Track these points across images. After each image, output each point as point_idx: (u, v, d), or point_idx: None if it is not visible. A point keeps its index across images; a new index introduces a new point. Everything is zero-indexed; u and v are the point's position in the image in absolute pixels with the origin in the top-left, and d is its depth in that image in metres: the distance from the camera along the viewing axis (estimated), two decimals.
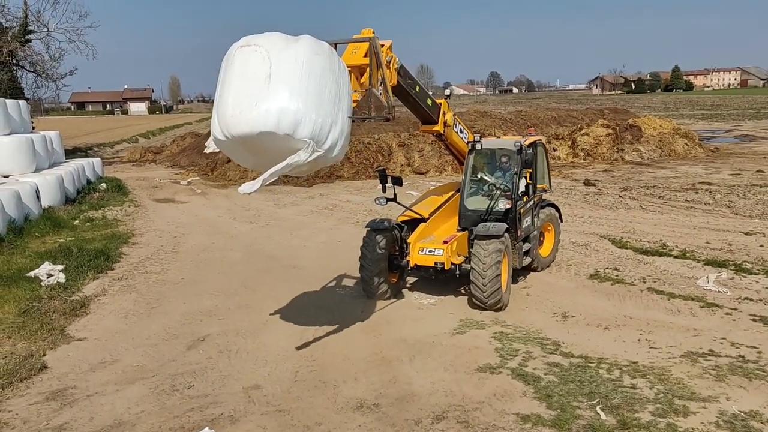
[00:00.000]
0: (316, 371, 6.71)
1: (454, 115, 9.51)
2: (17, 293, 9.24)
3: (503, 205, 8.87)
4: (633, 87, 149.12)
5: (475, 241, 8.30)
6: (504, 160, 9.30)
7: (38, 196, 15.16)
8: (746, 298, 8.54)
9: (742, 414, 5.49)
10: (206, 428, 5.55)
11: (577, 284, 9.52)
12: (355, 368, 6.75)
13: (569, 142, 26.79)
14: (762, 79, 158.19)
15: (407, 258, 8.80)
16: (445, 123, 9.19)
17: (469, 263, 8.29)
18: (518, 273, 9.53)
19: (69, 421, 5.79)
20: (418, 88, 8.44)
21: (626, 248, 11.40)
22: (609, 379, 6.26)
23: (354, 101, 6.58)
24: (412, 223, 9.22)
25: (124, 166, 30.74)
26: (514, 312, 8.35)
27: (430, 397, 6.03)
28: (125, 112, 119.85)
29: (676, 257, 10.66)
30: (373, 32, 7.13)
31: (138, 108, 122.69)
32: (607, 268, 10.15)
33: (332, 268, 10.49)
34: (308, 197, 18.89)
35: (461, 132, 9.71)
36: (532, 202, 9.58)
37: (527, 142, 9.37)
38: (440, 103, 9.08)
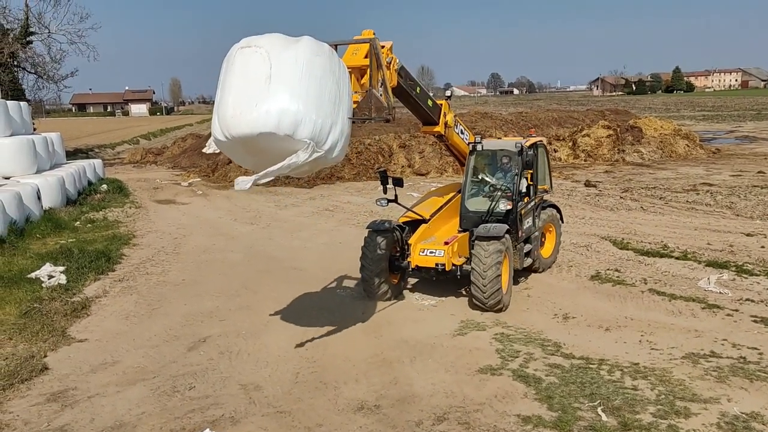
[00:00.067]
0: (317, 372, 6.70)
1: (455, 116, 9.52)
2: (18, 294, 9.25)
3: (504, 206, 8.86)
4: (634, 88, 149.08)
5: (476, 242, 8.29)
6: (505, 161, 9.30)
7: (39, 198, 15.18)
8: (747, 300, 8.52)
9: (744, 415, 5.48)
10: (207, 429, 5.55)
11: (578, 285, 9.51)
12: (356, 369, 6.74)
13: (570, 143, 26.79)
14: (763, 80, 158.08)
15: (408, 259, 8.79)
16: (446, 124, 9.19)
17: (470, 264, 8.28)
18: (519, 274, 9.52)
19: (70, 423, 5.79)
20: (418, 89, 8.44)
21: (627, 249, 11.39)
22: (610, 380, 6.25)
23: (354, 102, 6.58)
24: (413, 225, 9.22)
25: (125, 168, 30.77)
26: (515, 313, 8.34)
27: (431, 399, 6.02)
28: (126, 113, 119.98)
29: (677, 258, 10.65)
30: (374, 33, 7.14)
31: (139, 109, 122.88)
32: (608, 270, 10.14)
33: (333, 269, 10.48)
34: (309, 198, 18.89)
35: (462, 133, 9.71)
36: (533, 203, 9.58)
37: (528, 143, 9.37)
38: (441, 104, 9.08)
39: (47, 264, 10.50)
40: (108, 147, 42.77)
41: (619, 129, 27.17)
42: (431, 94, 9.05)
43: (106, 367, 7.02)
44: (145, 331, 8.13)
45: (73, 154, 31.72)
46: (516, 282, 9.30)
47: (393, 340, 7.52)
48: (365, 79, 7.00)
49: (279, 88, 5.48)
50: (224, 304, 9.17)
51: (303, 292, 9.40)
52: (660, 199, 16.45)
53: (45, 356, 7.26)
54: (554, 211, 10.52)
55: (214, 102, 6.09)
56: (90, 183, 21.04)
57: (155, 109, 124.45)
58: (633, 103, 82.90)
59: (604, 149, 25.94)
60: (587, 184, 19.57)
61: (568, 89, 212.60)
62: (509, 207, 8.83)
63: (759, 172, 20.43)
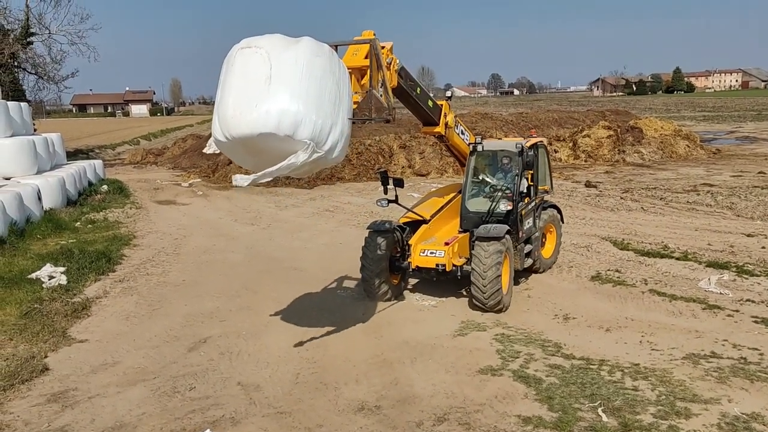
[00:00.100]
0: (318, 373, 6.70)
1: (455, 116, 9.51)
2: (19, 295, 9.25)
3: (504, 206, 8.86)
4: (634, 88, 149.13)
5: (476, 242, 8.30)
6: (505, 161, 9.30)
7: (40, 198, 15.19)
8: (748, 300, 8.52)
9: (744, 416, 5.48)
10: (207, 430, 5.55)
11: (578, 286, 9.50)
12: (357, 370, 6.74)
13: (570, 144, 26.79)
14: (763, 81, 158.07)
15: (409, 259, 8.79)
16: (446, 125, 9.18)
17: (470, 265, 8.28)
18: (520, 274, 9.52)
19: (70, 423, 5.79)
20: (419, 89, 8.44)
21: (628, 250, 11.38)
22: (610, 381, 6.25)
23: (354, 103, 6.59)
24: (414, 225, 9.22)
25: (125, 168, 30.78)
26: (516, 314, 8.34)
27: (431, 399, 6.02)
28: (126, 114, 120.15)
29: (677, 259, 10.64)
30: (374, 34, 7.14)
31: (139, 110, 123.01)
32: (608, 270, 10.13)
33: (333, 270, 10.48)
34: (309, 199, 18.89)
35: (463, 133, 9.71)
36: (533, 204, 9.57)
37: (529, 144, 9.37)
38: (441, 105, 9.08)
39: (48, 264, 10.50)
40: (108, 147, 42.77)
41: (619, 129, 27.17)
42: (431, 95, 9.05)
43: (107, 368, 7.02)
44: (145, 332, 8.13)
45: (73, 155, 31.72)
46: (516, 282, 9.29)
47: (393, 341, 7.52)
48: (365, 80, 7.00)
49: (279, 89, 5.48)
50: (225, 304, 9.17)
51: (303, 293, 9.40)
52: (660, 199, 16.45)
53: (45, 357, 7.26)
54: (555, 212, 10.52)
55: (214, 102, 6.10)
56: (90, 184, 21.06)
57: (156, 110, 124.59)
58: (633, 103, 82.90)
59: (604, 150, 25.94)
60: (588, 184, 19.57)
61: (568, 90, 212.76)
62: (510, 207, 8.84)
63: (759, 173, 20.43)
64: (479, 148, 9.35)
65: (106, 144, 44.35)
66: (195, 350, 7.47)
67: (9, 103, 18.69)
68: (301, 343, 7.49)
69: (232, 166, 22.96)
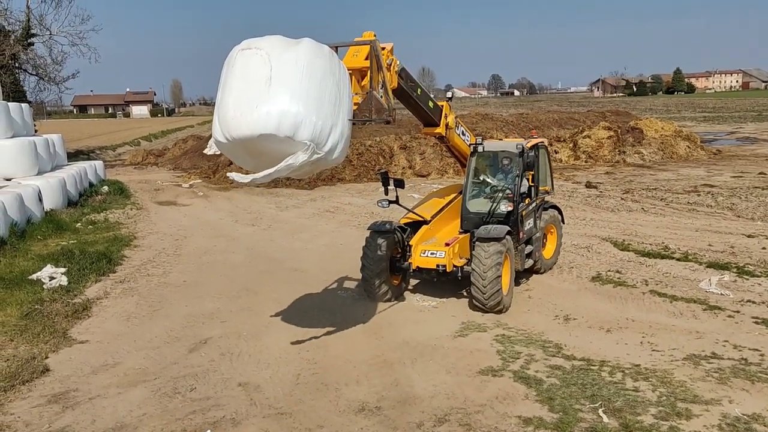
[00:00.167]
0: (318, 374, 6.70)
1: (456, 117, 9.52)
2: (19, 296, 9.25)
3: (505, 207, 8.86)
4: (634, 89, 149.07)
5: (477, 243, 8.30)
6: (506, 162, 9.30)
7: (40, 199, 15.20)
8: (749, 301, 8.51)
9: (745, 417, 5.47)
10: (208, 431, 5.55)
11: (579, 287, 9.50)
12: (357, 371, 6.74)
13: (571, 145, 26.79)
14: (763, 82, 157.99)
15: (409, 260, 8.80)
16: (447, 125, 9.18)
17: (471, 265, 8.28)
18: (521, 275, 9.52)
19: (71, 424, 5.79)
20: (419, 90, 8.44)
21: (628, 251, 11.38)
22: (611, 381, 6.25)
23: (355, 104, 6.59)
24: (414, 226, 9.22)
25: (126, 169, 30.79)
26: (516, 314, 8.34)
27: (432, 400, 6.02)
28: (127, 115, 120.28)
29: (678, 260, 10.64)
30: (375, 35, 7.14)
31: (140, 111, 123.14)
32: (609, 271, 10.13)
33: (334, 270, 10.49)
34: (310, 200, 18.90)
35: (463, 134, 9.71)
36: (534, 205, 9.57)
37: (529, 145, 9.37)
38: (442, 106, 9.08)
39: (48, 265, 10.51)
40: (109, 148, 42.82)
41: (619, 130, 27.16)
42: (432, 96, 9.06)
43: (107, 369, 7.03)
44: (146, 333, 8.13)
45: (74, 156, 31.75)
46: (517, 283, 9.29)
47: (394, 342, 7.52)
48: (366, 81, 7.01)
49: (279, 90, 5.49)
50: (225, 305, 9.17)
51: (304, 294, 9.40)
52: (661, 200, 16.44)
53: (46, 358, 7.26)
54: (555, 213, 10.52)
55: (215, 103, 6.11)
56: (91, 184, 21.07)
57: (156, 111, 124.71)
58: (634, 104, 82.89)
59: (604, 150, 25.93)
60: (588, 185, 19.57)
61: (568, 90, 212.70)
62: (510, 208, 8.84)
63: (760, 174, 20.42)
64: (480, 148, 9.35)
65: (107, 145, 44.39)
66: (196, 351, 7.48)
67: (10, 104, 18.72)
68: (301, 344, 7.49)
69: (233, 167, 22.94)
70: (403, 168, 22.79)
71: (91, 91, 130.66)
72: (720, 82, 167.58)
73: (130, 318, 8.74)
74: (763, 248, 11.20)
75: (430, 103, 8.76)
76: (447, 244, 8.63)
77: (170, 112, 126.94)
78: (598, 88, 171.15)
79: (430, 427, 5.54)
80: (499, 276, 8.00)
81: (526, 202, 9.28)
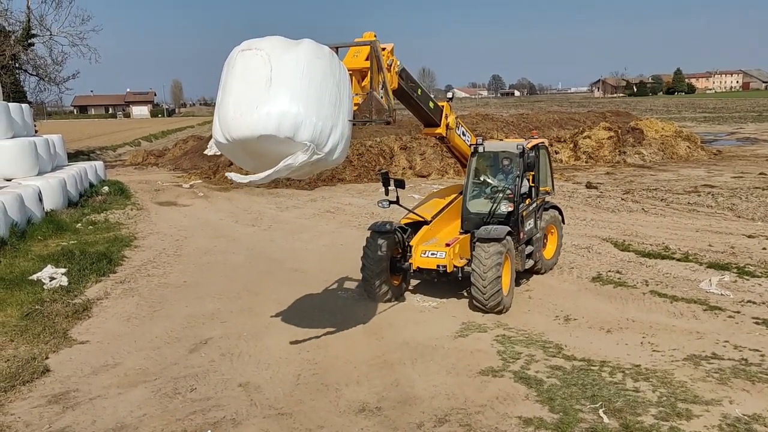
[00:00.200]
0: (318, 374, 6.70)
1: (456, 117, 9.52)
2: (20, 296, 9.26)
3: (506, 207, 8.87)
4: (635, 90, 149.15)
5: (477, 243, 8.30)
6: (506, 162, 9.30)
7: (41, 200, 15.20)
8: (749, 301, 8.51)
9: (745, 417, 5.47)
10: (208, 431, 5.55)
11: (579, 287, 9.50)
12: (357, 371, 6.74)
13: (571, 145, 26.78)
14: (764, 82, 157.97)
15: (410, 260, 8.80)
16: (447, 126, 9.18)
17: (471, 266, 8.28)
18: (521, 276, 9.51)
19: (71, 425, 5.79)
20: (420, 91, 8.44)
21: (628, 251, 11.38)
22: (612, 382, 6.25)
23: (355, 105, 6.59)
24: (415, 226, 9.23)
25: (126, 170, 30.80)
26: (517, 315, 8.34)
27: (432, 401, 6.02)
28: (127, 115, 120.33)
29: (678, 260, 10.64)
30: (375, 36, 7.14)
31: (140, 111, 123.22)
32: (609, 271, 10.13)
33: (334, 271, 10.49)
34: (310, 200, 18.90)
35: (464, 135, 9.71)
36: (534, 205, 9.57)
37: (530, 145, 9.37)
38: (443, 106, 9.09)
39: (49, 266, 10.51)
40: (109, 149, 42.82)
41: (620, 131, 27.17)
42: (432, 96, 9.06)
43: (108, 369, 7.03)
44: (146, 333, 8.13)
45: (74, 156, 31.75)
46: (517, 283, 9.28)
47: (394, 342, 7.52)
48: (366, 82, 7.00)
49: (279, 91, 5.49)
50: (225, 305, 9.17)
51: (304, 294, 9.40)
52: (661, 200, 16.44)
53: (46, 358, 7.27)
54: (556, 213, 10.52)
55: (215, 104, 6.11)
56: (91, 185, 21.07)
57: (156, 111, 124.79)
58: (634, 104, 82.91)
59: (605, 151, 25.93)
60: (588, 185, 19.57)
61: (569, 91, 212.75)
62: (511, 209, 8.84)
63: (760, 174, 20.41)
64: (480, 149, 9.35)
65: (107, 145, 44.39)
66: (196, 351, 7.48)
67: (10, 104, 18.72)
68: (301, 344, 7.49)
69: (233, 168, 22.95)
70: (404, 168, 22.79)
71: (92, 91, 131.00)
72: (720, 82, 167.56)
73: (130, 318, 8.75)
74: (764, 249, 11.20)
75: (431, 104, 8.76)
76: (447, 245, 8.63)
77: (170, 113, 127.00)
78: (598, 88, 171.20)
79: (431, 427, 5.54)
80: (499, 276, 8.00)
81: (527, 202, 9.28)
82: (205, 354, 7.38)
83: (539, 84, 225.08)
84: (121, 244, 13.15)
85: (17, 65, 32.83)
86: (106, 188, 20.59)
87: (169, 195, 21.30)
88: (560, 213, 10.69)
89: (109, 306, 9.29)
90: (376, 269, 8.63)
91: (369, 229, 8.92)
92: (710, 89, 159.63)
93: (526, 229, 9.20)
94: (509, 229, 8.51)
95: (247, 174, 6.10)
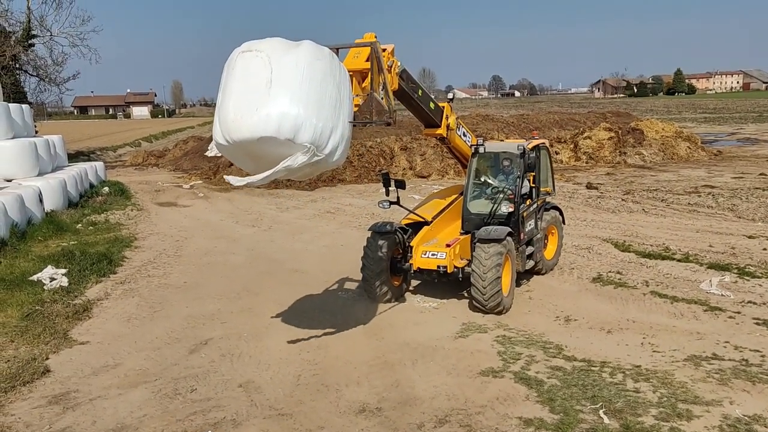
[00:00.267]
0: (319, 375, 6.70)
1: (457, 118, 9.52)
2: (20, 297, 9.26)
3: (506, 208, 8.87)
4: (635, 90, 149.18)
5: (477, 244, 8.30)
6: (507, 163, 9.30)
7: (41, 200, 15.20)
8: (749, 302, 8.51)
9: (746, 418, 5.47)
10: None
11: (579, 288, 9.50)
12: (358, 372, 6.74)
13: (571, 146, 26.78)
14: (764, 82, 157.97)
15: (410, 261, 8.80)
16: (448, 126, 9.19)
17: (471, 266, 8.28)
18: (522, 276, 9.51)
19: (71, 425, 5.79)
20: (420, 91, 8.45)
21: (629, 252, 11.38)
22: (612, 382, 6.24)
23: (355, 106, 6.60)
24: (415, 227, 9.23)
25: (126, 170, 30.79)
26: (517, 315, 8.34)
27: (432, 401, 6.02)
28: (128, 116, 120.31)
29: (679, 261, 10.64)
30: (375, 37, 7.15)
31: (141, 112, 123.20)
32: (609, 272, 10.13)
33: (334, 271, 10.49)
34: (311, 201, 18.90)
35: (464, 135, 9.71)
36: (535, 206, 9.57)
37: (531, 146, 9.37)
38: (443, 107, 9.09)
39: (49, 266, 10.51)
40: (110, 149, 42.81)
41: (620, 131, 27.16)
42: (433, 97, 9.06)
43: (108, 370, 7.03)
44: (146, 334, 8.14)
45: (74, 157, 31.75)
46: (518, 284, 9.28)
47: (394, 343, 7.52)
48: (366, 83, 7.01)
49: (279, 92, 5.49)
50: (226, 306, 9.17)
51: (304, 295, 9.40)
52: (661, 201, 16.44)
53: (47, 359, 7.27)
54: (556, 213, 10.52)
55: (215, 105, 6.12)
56: (92, 185, 21.07)
57: (157, 112, 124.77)
58: (634, 105, 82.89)
59: (605, 151, 25.93)
60: (589, 186, 19.56)
61: (569, 91, 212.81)
62: (511, 209, 8.84)
63: (761, 174, 20.40)
64: (481, 149, 9.35)
65: (108, 146, 44.39)
66: (196, 352, 7.48)
67: (10, 105, 18.71)
68: (302, 345, 7.49)
69: (233, 169, 22.97)
70: (404, 169, 22.79)
71: (92, 92, 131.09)
72: (721, 83, 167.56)
73: (130, 319, 8.75)
74: (764, 249, 11.20)
75: (431, 104, 8.77)
76: (448, 245, 8.63)
77: (171, 113, 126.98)
78: (598, 89, 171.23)
79: (431, 428, 5.54)
80: (499, 277, 8.00)
81: (527, 203, 9.27)
82: (205, 354, 7.38)
83: (539, 84, 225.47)
84: (122, 244, 13.15)
85: (17, 66, 32.85)
86: (106, 189, 20.59)
87: (170, 196, 21.30)
88: (561, 213, 10.69)
89: (109, 306, 9.29)
90: (376, 270, 8.64)
91: (369, 230, 8.92)
92: (710, 90, 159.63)
93: (526, 230, 9.20)
94: (510, 229, 8.51)
95: (246, 175, 6.10)
